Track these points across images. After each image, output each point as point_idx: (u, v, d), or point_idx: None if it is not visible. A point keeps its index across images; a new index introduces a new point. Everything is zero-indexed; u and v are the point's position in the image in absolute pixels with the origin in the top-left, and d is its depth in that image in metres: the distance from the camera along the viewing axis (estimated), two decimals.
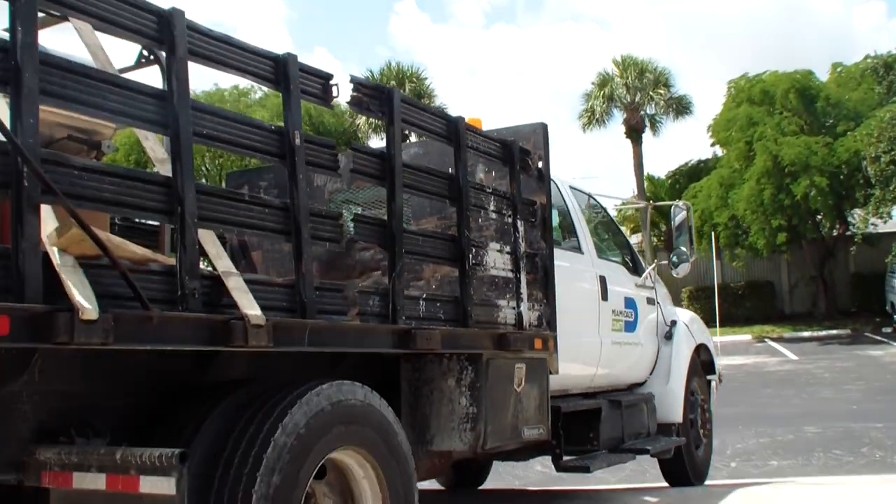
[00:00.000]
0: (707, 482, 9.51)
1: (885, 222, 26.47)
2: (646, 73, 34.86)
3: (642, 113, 35.44)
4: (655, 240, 36.13)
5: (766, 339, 28.07)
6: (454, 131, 5.09)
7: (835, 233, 30.26)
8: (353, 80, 4.63)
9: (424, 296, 4.85)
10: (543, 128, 6.21)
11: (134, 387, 3.71)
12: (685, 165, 37.66)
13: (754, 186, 27.23)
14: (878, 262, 28.49)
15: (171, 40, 3.41)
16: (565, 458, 6.38)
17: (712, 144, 32.75)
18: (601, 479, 8.97)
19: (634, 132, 35.38)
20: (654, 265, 8.88)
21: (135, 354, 3.39)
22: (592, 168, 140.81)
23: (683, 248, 8.49)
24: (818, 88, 29.33)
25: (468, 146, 5.17)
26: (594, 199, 8.22)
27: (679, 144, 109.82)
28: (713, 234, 27.81)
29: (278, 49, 4.06)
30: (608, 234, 8.43)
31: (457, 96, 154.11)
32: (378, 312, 4.38)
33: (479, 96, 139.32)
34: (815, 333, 28.32)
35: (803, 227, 28.43)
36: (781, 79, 29.53)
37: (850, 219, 29.94)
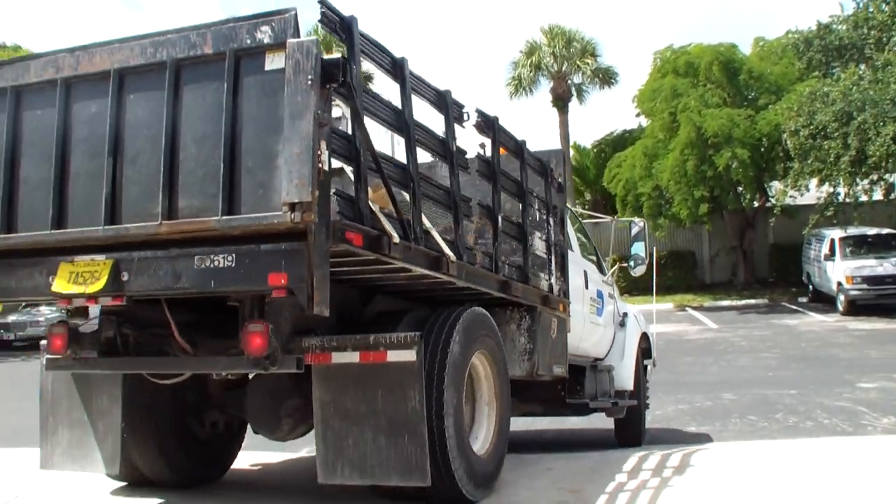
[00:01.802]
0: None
1: (802, 195, 26.89)
2: (573, 43, 34.93)
3: (569, 82, 35.55)
4: (580, 208, 36.34)
5: (688, 308, 28.55)
6: (521, 151, 7.32)
7: (755, 204, 30.75)
8: (478, 111, 6.52)
9: (507, 261, 6.88)
10: (562, 153, 9.37)
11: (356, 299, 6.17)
12: (610, 135, 37.94)
13: (678, 157, 27.49)
14: (795, 234, 29.06)
15: (403, 80, 5.56)
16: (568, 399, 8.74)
17: (637, 115, 33.03)
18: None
19: (561, 101, 35.48)
20: (615, 267, 12.50)
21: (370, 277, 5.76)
22: (518, 135, 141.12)
23: (640, 254, 11.08)
24: (741, 62, 29.63)
25: (527, 162, 7.37)
26: (573, 210, 11.34)
27: (605, 114, 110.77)
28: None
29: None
30: (585, 238, 10.22)
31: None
32: (487, 266, 6.50)
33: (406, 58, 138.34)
34: (735, 303, 28.88)
35: (725, 198, 28.85)
36: (706, 51, 29.77)
37: (769, 191, 30.46)
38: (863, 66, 26.44)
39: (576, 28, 35.74)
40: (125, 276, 4.77)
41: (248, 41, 4.59)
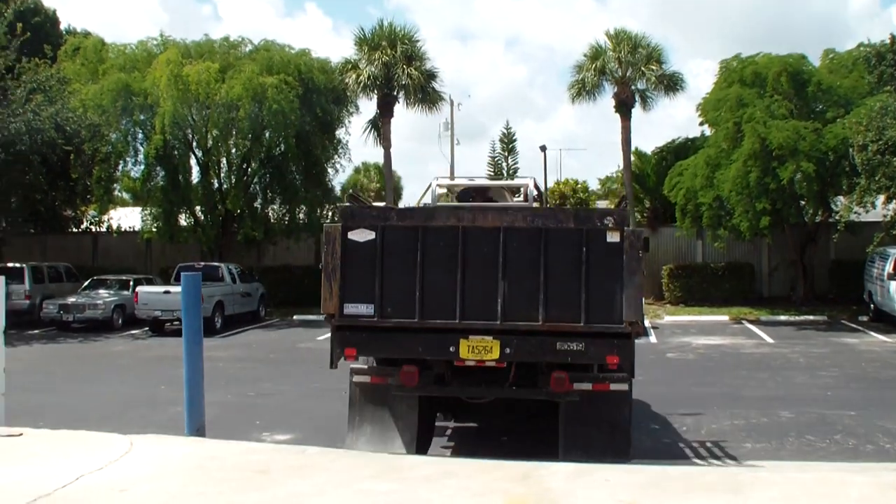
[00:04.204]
0: (684, 462, 9.63)
1: (867, 211, 26.47)
2: (639, 48, 34.57)
3: (633, 88, 35.21)
4: (639, 216, 36.12)
5: (744, 321, 28.19)
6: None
7: (817, 219, 30.31)
8: (613, 213, 8.38)
9: None
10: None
11: None
12: (672, 143, 37.59)
13: (741, 168, 27.16)
14: (858, 251, 28.59)
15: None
16: None
17: (701, 123, 32.63)
18: None
19: (624, 106, 35.16)
20: None
21: None
22: (578, 140, 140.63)
23: None
24: (810, 73, 29.20)
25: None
26: None
27: (667, 121, 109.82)
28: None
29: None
30: None
31: (447, 61, 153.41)
32: None
33: (468, 61, 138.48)
34: (792, 318, 28.45)
35: (787, 212, 28.43)
36: (774, 61, 29.40)
37: (833, 206, 30.00)
38: None
39: (642, 33, 35.51)
40: (508, 350, 8.15)
41: (598, 224, 8.13)
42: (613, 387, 8.44)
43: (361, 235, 8.05)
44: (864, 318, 27.47)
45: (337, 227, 8.16)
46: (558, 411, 8.73)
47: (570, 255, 7.98)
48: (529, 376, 8.86)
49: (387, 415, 8.77)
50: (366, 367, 8.80)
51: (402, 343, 8.27)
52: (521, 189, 9.92)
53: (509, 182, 10.24)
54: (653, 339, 23.92)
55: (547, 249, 8.02)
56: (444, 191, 10.38)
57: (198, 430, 9.43)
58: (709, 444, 11.43)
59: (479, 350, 8.05)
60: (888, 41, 28.58)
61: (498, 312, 8.00)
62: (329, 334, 8.73)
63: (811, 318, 28.43)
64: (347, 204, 8.70)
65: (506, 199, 10.96)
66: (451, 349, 8.09)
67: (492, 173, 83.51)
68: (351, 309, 8.16)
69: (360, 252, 8.09)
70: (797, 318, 28.51)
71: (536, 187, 10.56)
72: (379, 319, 8.14)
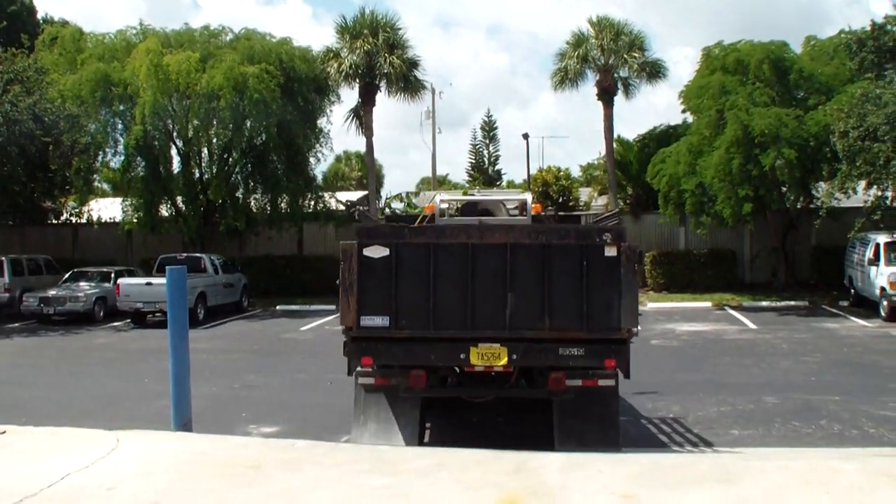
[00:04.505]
0: (675, 449, 9.65)
1: (848, 197, 26.56)
2: (621, 36, 34.49)
3: (615, 75, 35.17)
4: (622, 203, 36.16)
5: (726, 307, 28.31)
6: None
7: (799, 205, 30.39)
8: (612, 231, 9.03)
9: None
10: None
11: None
12: (654, 130, 37.57)
13: (723, 155, 27.18)
14: (839, 237, 28.71)
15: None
16: None
17: (683, 111, 32.61)
18: None
19: (606, 94, 35.15)
20: None
21: None
22: (560, 127, 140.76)
23: None
24: (792, 61, 29.22)
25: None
26: None
27: (649, 108, 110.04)
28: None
29: None
30: None
31: (429, 49, 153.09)
32: None
33: (450, 49, 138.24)
34: (774, 304, 28.59)
35: (769, 198, 28.49)
36: (756, 49, 29.41)
37: (814, 192, 30.10)
38: None
39: (624, 20, 35.48)
40: (514, 356, 8.77)
41: (597, 240, 8.80)
42: (602, 383, 9.05)
43: (376, 252, 8.59)
44: (845, 304, 27.61)
45: (353, 245, 8.67)
46: (552, 406, 9.46)
47: (572, 268, 8.66)
48: (529, 377, 9.71)
49: (390, 412, 9.39)
50: (370, 369, 9.17)
51: (416, 352, 8.86)
52: (519, 204, 10.57)
53: (507, 196, 11.48)
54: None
55: (550, 263, 8.67)
56: (447, 206, 10.93)
57: (185, 424, 9.39)
58: (697, 432, 11.47)
59: (489, 357, 8.66)
60: (868, 28, 28.61)
61: (506, 322, 8.65)
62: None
63: (793, 303, 28.55)
64: (361, 223, 9.68)
65: (502, 211, 11.44)
66: (461, 356, 8.70)
67: (473, 161, 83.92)
68: (367, 321, 8.66)
69: (376, 268, 8.63)
70: (779, 303, 28.63)
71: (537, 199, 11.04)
72: (394, 330, 8.70)
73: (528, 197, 11.70)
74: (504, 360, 8.71)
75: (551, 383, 8.98)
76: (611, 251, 8.63)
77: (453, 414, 12.00)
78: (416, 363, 8.99)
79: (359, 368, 9.23)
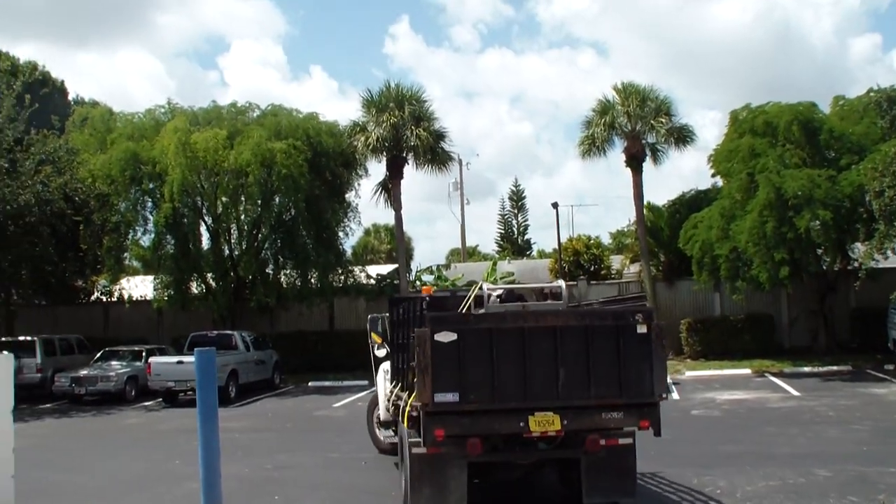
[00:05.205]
0: None
1: (886, 258, 26.12)
2: (647, 102, 34.31)
3: (643, 141, 34.95)
4: (654, 270, 35.73)
5: (766, 374, 27.66)
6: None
7: (836, 267, 29.91)
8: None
9: None
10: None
11: None
12: (685, 195, 37.25)
13: (756, 218, 26.86)
14: (879, 298, 28.17)
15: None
16: None
17: (713, 175, 32.41)
18: None
19: (635, 161, 34.86)
20: None
21: None
22: (586, 194, 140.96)
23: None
24: (821, 121, 29.02)
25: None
26: None
27: (674, 173, 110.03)
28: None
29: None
30: None
31: (453, 119, 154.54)
32: None
33: (475, 120, 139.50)
34: (816, 369, 27.93)
35: (805, 261, 28.01)
36: (784, 110, 29.23)
37: (851, 253, 29.64)
38: None
39: (650, 86, 35.20)
40: (565, 422, 9.84)
41: (631, 320, 10.06)
42: (622, 441, 10.44)
43: (446, 337, 9.69)
44: (890, 367, 26.92)
45: (426, 331, 9.73)
46: (578, 463, 10.69)
47: (610, 345, 9.93)
48: (568, 439, 10.64)
49: (441, 477, 10.38)
50: (419, 439, 10.14)
51: (482, 422, 9.91)
52: (554, 291, 12.08)
53: (542, 285, 12.97)
54: (675, 395, 23.46)
55: (592, 341, 9.93)
56: (492, 294, 11.97)
57: None
58: None
59: (544, 423, 9.81)
60: None
61: (558, 393, 9.86)
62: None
63: (835, 368, 27.89)
64: (433, 312, 10.56)
65: (532, 297, 12.69)
66: (521, 424, 9.82)
67: (502, 231, 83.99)
68: (440, 398, 9.67)
69: (445, 351, 9.68)
70: (821, 368, 27.99)
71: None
72: (463, 404, 9.75)
73: (563, 283, 12.65)
74: (557, 426, 9.83)
75: (588, 444, 10.24)
76: (642, 329, 9.97)
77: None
78: (483, 432, 10.03)
79: (410, 439, 10.48)
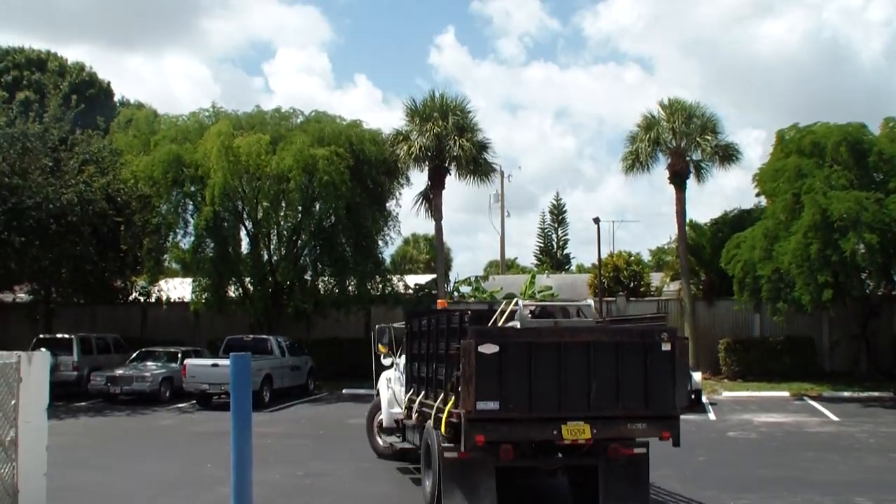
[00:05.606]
0: None
1: None
2: (693, 119, 33.94)
3: (688, 158, 34.57)
4: (694, 289, 35.33)
5: (805, 398, 27.23)
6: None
7: (880, 291, 29.43)
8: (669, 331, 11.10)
9: None
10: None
11: None
12: (728, 214, 36.89)
13: (801, 240, 26.48)
14: None
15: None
16: None
17: (757, 194, 32.06)
18: None
19: (678, 178, 34.49)
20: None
21: None
22: (627, 210, 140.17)
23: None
24: (870, 143, 28.54)
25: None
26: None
27: (717, 192, 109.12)
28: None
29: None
30: None
31: (497, 132, 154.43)
32: None
33: (518, 133, 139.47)
34: (857, 394, 27.46)
35: (849, 284, 27.54)
36: (833, 131, 28.83)
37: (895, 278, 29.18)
38: None
39: (696, 103, 34.82)
40: (595, 431, 10.49)
41: (657, 339, 10.74)
42: (636, 450, 11.13)
43: (489, 349, 10.26)
44: None
45: (471, 343, 10.30)
46: (596, 471, 11.31)
47: (637, 360, 10.63)
48: (591, 447, 11.25)
49: (471, 481, 10.97)
50: (452, 445, 10.85)
51: (519, 430, 10.56)
52: (583, 308, 13.06)
53: (572, 303, 13.99)
54: (711, 416, 23.14)
55: (622, 357, 10.61)
56: (526, 311, 12.66)
57: None
58: None
59: (576, 432, 10.46)
60: None
61: (589, 404, 10.54)
62: None
63: (877, 394, 27.41)
64: (477, 326, 11.12)
65: (568, 315, 13.35)
66: (554, 432, 10.47)
67: (541, 245, 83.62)
68: (482, 405, 10.23)
69: (488, 362, 10.25)
70: (862, 394, 27.51)
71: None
72: (503, 412, 10.33)
73: (592, 302, 14.03)
74: (588, 435, 10.49)
75: (610, 452, 10.97)
76: (666, 346, 10.66)
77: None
78: (519, 439, 10.77)
79: (443, 444, 11.06)
